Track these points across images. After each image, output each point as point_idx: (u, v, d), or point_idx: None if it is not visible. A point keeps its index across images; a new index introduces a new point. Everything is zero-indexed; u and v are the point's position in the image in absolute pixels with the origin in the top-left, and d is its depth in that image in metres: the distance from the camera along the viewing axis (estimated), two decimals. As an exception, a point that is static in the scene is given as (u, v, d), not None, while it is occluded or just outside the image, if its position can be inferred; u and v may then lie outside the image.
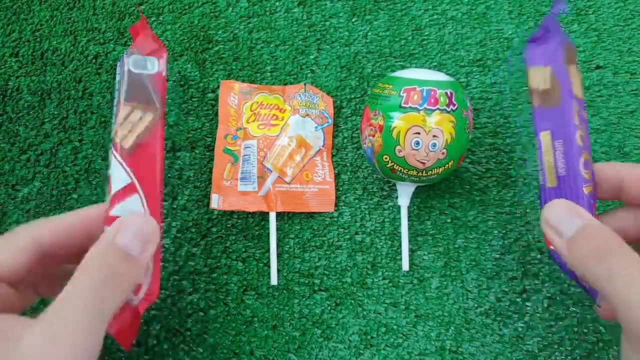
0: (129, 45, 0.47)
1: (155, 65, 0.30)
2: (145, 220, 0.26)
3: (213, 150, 0.45)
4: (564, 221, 0.26)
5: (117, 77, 0.31)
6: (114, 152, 0.28)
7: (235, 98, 0.44)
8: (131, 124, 0.29)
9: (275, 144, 0.42)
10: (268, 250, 0.42)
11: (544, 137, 0.31)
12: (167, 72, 0.29)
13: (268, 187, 0.41)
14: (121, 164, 0.28)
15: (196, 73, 0.46)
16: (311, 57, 0.47)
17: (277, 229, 0.43)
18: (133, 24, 0.48)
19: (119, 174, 0.28)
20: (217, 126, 0.45)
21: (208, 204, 0.44)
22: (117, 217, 0.27)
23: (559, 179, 0.29)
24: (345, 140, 0.45)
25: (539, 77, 0.31)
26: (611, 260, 0.23)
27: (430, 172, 0.38)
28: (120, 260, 0.24)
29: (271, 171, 0.42)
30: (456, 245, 0.42)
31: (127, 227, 0.25)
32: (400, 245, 0.42)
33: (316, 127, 0.43)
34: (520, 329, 0.40)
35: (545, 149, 0.30)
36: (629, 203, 0.30)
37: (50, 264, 0.28)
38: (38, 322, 0.21)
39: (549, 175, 0.30)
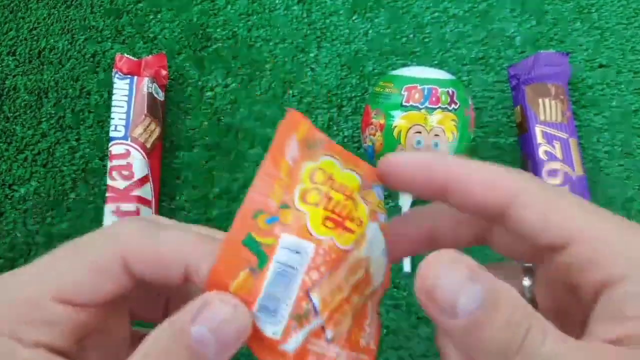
0: (127, 43, 0.47)
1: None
2: (233, 314, 0.19)
3: (212, 150, 0.44)
4: (459, 294, 0.17)
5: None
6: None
7: (296, 147, 0.23)
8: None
9: (341, 265, 0.22)
10: (267, 251, 0.42)
11: (523, 157, 0.42)
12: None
13: (299, 342, 0.21)
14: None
15: (195, 71, 0.46)
16: (311, 55, 0.46)
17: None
18: (131, 22, 0.47)
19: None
20: (216, 127, 0.44)
21: (206, 204, 0.43)
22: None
23: None
24: (345, 140, 0.44)
25: (516, 114, 0.43)
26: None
27: (432, 171, 0.37)
28: (188, 355, 0.18)
29: (317, 313, 0.21)
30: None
31: (207, 317, 0.18)
32: (401, 245, 0.42)
33: (383, 249, 0.24)
34: (522, 331, 0.40)
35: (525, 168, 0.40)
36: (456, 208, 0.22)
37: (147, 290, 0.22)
38: None
39: None
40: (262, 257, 0.21)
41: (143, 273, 0.20)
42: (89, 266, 0.19)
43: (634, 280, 0.17)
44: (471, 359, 0.20)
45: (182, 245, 0.20)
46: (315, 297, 0.21)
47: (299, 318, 0.21)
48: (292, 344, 0.21)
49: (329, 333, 0.21)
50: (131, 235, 0.20)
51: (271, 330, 0.20)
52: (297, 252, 0.20)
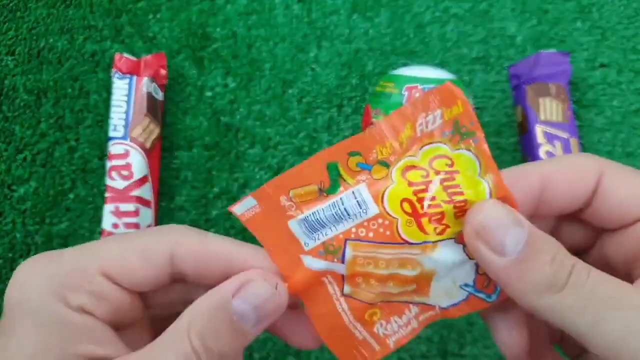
0: (126, 43, 0.47)
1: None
2: (274, 294, 0.20)
3: (212, 149, 0.44)
4: (506, 232, 0.18)
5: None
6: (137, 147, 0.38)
7: (436, 123, 0.20)
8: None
9: (391, 248, 0.21)
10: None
11: (524, 156, 0.42)
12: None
13: (317, 268, 0.21)
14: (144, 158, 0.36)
15: (194, 71, 0.46)
16: (311, 54, 0.46)
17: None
18: (130, 21, 0.47)
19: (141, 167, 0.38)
20: (216, 127, 0.44)
21: (206, 204, 0.43)
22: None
23: None
24: (345, 140, 0.44)
25: (517, 113, 0.43)
26: (591, 296, 0.18)
27: (433, 171, 0.37)
28: (229, 328, 0.19)
29: (343, 262, 0.21)
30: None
31: (250, 294, 0.20)
32: (401, 245, 0.42)
33: (466, 286, 0.21)
34: (523, 331, 0.40)
35: None
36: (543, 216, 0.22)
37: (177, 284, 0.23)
38: None
39: None
40: (334, 185, 0.21)
41: (187, 267, 0.21)
42: (138, 251, 0.20)
43: None
44: (524, 335, 0.21)
45: (228, 243, 0.21)
46: (349, 248, 0.21)
47: (327, 250, 0.21)
48: (311, 262, 0.21)
49: (347, 288, 0.21)
50: (181, 231, 0.21)
51: (303, 240, 0.21)
52: (360, 207, 0.20)
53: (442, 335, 0.40)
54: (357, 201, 0.20)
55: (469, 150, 0.20)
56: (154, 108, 0.42)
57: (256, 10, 0.47)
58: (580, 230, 0.22)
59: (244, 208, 0.21)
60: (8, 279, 0.41)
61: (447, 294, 0.21)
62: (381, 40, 0.46)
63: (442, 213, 0.20)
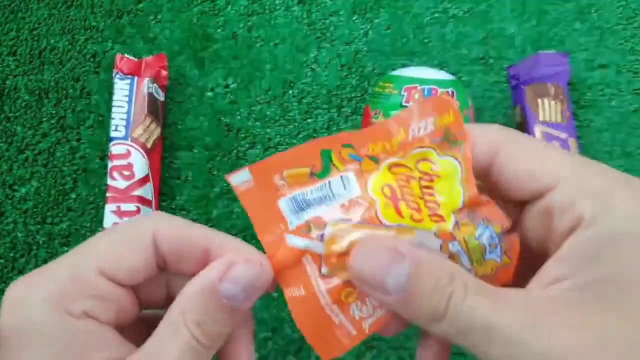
0: (127, 43, 0.47)
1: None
2: (259, 272, 0.21)
3: (212, 149, 0.44)
4: (386, 273, 0.19)
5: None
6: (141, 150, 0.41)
7: (428, 129, 0.22)
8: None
9: (362, 231, 0.21)
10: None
11: None
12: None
13: (297, 246, 0.22)
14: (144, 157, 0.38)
15: (195, 71, 0.46)
16: (311, 55, 0.46)
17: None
18: (131, 22, 0.47)
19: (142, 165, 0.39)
20: (216, 127, 0.44)
21: (207, 204, 0.43)
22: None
23: None
24: (345, 140, 0.44)
25: (516, 114, 0.43)
26: (468, 314, 0.18)
27: (432, 171, 0.37)
28: (221, 310, 0.20)
29: (322, 241, 0.22)
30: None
31: (237, 277, 0.20)
32: (401, 245, 0.42)
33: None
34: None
35: None
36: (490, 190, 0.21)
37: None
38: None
39: None
40: (326, 170, 0.22)
41: (166, 249, 0.21)
42: (126, 241, 0.21)
43: (590, 223, 0.18)
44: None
45: (207, 230, 0.22)
46: (329, 227, 0.22)
47: (309, 228, 0.22)
48: (294, 240, 0.22)
49: (324, 268, 0.22)
50: (161, 217, 0.22)
51: (290, 219, 0.22)
52: (345, 188, 0.22)
53: (441, 335, 0.40)
54: (344, 184, 0.22)
55: (455, 157, 0.21)
56: (155, 108, 0.42)
57: (256, 12, 0.47)
58: (505, 203, 0.22)
59: (239, 179, 0.22)
60: (10, 278, 0.42)
61: None
62: (381, 41, 0.46)
63: (418, 205, 0.21)
